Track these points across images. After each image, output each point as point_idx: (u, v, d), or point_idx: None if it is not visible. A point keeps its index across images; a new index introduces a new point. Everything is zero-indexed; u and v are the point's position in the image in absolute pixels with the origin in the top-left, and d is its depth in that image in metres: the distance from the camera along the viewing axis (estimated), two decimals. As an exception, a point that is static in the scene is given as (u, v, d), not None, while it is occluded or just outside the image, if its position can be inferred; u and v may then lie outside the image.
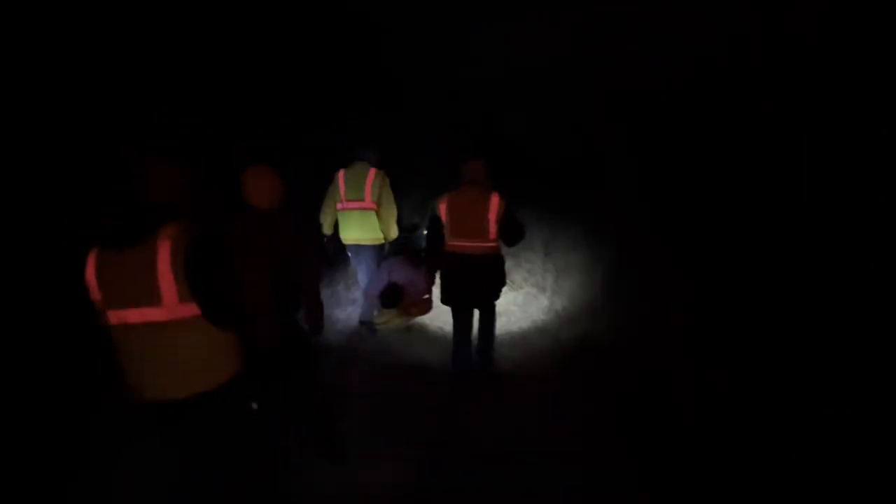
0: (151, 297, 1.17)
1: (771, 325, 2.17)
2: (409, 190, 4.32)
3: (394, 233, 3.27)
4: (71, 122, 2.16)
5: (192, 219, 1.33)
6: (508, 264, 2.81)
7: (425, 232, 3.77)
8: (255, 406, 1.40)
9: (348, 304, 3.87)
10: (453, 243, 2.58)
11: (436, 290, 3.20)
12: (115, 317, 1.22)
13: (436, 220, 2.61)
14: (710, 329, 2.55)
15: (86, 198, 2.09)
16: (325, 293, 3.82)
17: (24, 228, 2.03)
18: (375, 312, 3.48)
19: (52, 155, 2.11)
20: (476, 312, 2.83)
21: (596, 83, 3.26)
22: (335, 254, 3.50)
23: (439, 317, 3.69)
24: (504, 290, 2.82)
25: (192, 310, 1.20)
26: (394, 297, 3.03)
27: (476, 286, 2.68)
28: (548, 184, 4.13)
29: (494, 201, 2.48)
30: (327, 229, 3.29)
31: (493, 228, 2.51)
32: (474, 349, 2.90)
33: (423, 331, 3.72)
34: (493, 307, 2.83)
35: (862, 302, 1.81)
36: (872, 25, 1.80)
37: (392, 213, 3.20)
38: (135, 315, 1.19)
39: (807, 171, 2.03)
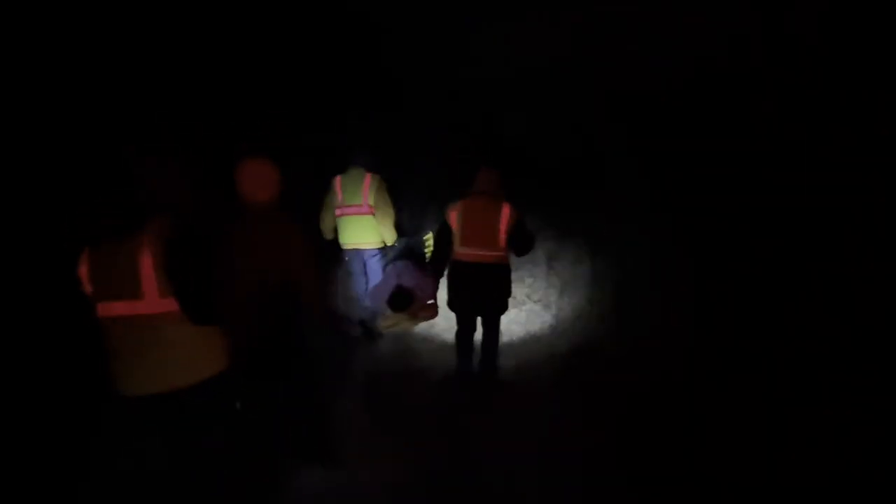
0: (134, 290, 1.19)
1: (771, 325, 2.17)
2: (409, 191, 4.32)
3: (392, 237, 3.28)
4: (70, 122, 2.16)
5: (191, 218, 1.34)
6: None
7: (426, 237, 3.76)
8: (238, 406, 1.40)
9: (348, 309, 3.87)
10: (462, 251, 2.59)
11: (440, 296, 3.20)
12: (102, 309, 1.24)
13: (445, 227, 2.62)
14: (710, 329, 2.55)
15: (86, 198, 2.09)
16: (326, 297, 3.83)
17: (23, 228, 2.03)
18: (380, 316, 3.48)
19: (51, 155, 2.11)
20: (480, 324, 2.82)
21: (596, 83, 3.26)
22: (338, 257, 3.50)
23: (440, 323, 3.69)
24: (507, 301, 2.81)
25: (173, 304, 1.22)
26: (403, 301, 3.03)
27: (483, 294, 2.67)
28: (548, 184, 4.12)
29: (506, 211, 2.49)
30: (328, 234, 3.31)
31: (503, 238, 2.52)
32: (477, 361, 2.89)
33: (425, 336, 3.72)
34: (498, 317, 2.81)
35: (862, 302, 1.81)
36: (872, 25, 1.79)
37: (389, 217, 3.21)
38: (120, 308, 1.21)
39: (807, 171, 2.03)
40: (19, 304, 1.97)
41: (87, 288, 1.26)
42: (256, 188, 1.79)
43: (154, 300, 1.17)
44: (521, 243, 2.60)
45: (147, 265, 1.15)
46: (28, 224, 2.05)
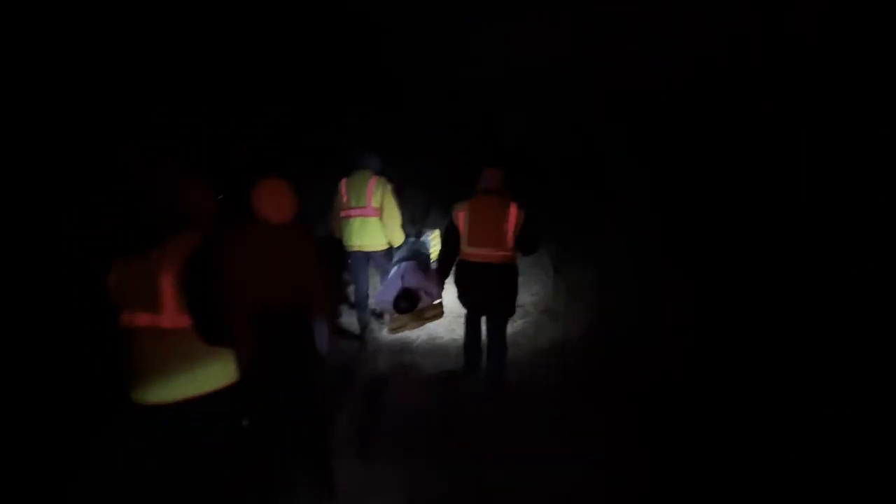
0: (154, 303, 1.23)
1: (771, 325, 2.17)
2: (410, 191, 4.32)
3: (398, 238, 3.29)
4: (71, 121, 2.16)
5: (195, 220, 1.34)
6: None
7: (431, 236, 3.75)
8: (245, 423, 1.42)
9: (352, 311, 3.87)
10: (469, 251, 2.57)
11: (446, 296, 3.19)
12: (124, 318, 1.29)
13: (452, 228, 2.61)
14: (710, 329, 2.55)
15: (86, 198, 2.09)
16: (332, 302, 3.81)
17: (24, 228, 2.03)
18: (387, 318, 3.48)
19: (52, 155, 2.11)
20: (486, 329, 2.79)
21: (596, 83, 3.26)
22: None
23: (443, 334, 3.69)
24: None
25: (190, 320, 1.25)
26: (409, 302, 3.03)
27: (490, 294, 2.66)
28: (549, 185, 4.12)
29: (513, 211, 2.49)
30: (339, 235, 3.33)
31: (510, 238, 2.51)
32: (483, 374, 2.87)
33: (428, 343, 3.69)
34: (505, 320, 2.79)
35: (862, 302, 1.81)
36: (872, 25, 1.79)
37: (396, 219, 3.23)
38: (141, 319, 1.25)
39: (807, 171, 2.03)
40: (19, 304, 1.97)
41: (115, 297, 1.29)
42: (274, 211, 1.79)
43: (173, 315, 1.22)
44: (528, 243, 2.60)
45: (167, 280, 1.19)
46: (29, 224, 2.05)
